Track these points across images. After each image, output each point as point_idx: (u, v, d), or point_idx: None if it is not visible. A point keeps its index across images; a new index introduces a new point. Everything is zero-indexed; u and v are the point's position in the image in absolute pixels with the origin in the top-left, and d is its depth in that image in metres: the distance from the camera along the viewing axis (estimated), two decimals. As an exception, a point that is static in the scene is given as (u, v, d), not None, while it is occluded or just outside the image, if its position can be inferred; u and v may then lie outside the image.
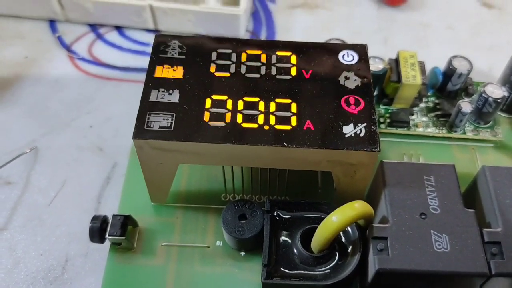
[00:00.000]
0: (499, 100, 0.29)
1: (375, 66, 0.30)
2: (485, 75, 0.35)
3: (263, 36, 0.38)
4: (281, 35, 0.38)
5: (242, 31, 0.36)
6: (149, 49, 0.37)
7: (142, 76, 0.36)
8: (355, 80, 0.26)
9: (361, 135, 0.24)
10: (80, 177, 0.30)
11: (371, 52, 0.30)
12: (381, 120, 0.31)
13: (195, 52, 0.26)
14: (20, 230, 0.28)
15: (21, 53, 0.37)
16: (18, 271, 0.27)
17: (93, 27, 0.38)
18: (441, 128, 0.31)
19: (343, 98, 0.25)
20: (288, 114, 0.24)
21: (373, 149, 0.23)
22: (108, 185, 0.30)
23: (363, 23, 0.39)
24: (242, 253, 0.26)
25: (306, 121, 0.24)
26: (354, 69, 0.26)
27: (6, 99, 0.34)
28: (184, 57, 0.26)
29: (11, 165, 0.31)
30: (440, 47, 0.37)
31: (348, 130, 0.24)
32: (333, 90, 0.25)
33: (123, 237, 0.25)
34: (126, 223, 0.26)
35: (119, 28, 0.38)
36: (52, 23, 0.38)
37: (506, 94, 0.29)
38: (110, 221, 0.26)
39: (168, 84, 0.25)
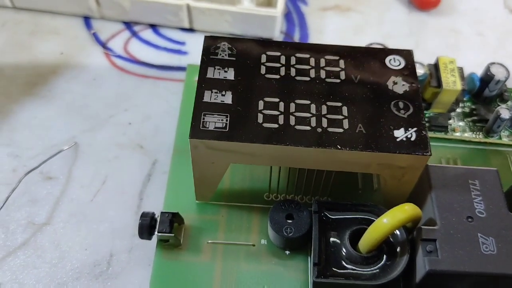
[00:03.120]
0: (537, 107, 0.30)
1: (417, 71, 0.30)
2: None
3: (296, 37, 0.38)
4: (314, 37, 0.38)
5: (277, 33, 0.37)
6: (184, 48, 0.38)
7: (178, 75, 0.37)
8: (403, 85, 0.26)
9: (412, 139, 0.24)
10: (121, 174, 0.31)
11: None
12: (419, 124, 0.31)
13: (245, 54, 0.27)
14: (63, 225, 0.29)
15: (56, 49, 0.37)
16: (63, 265, 0.27)
17: (128, 24, 0.39)
18: (477, 133, 0.31)
19: (392, 103, 0.25)
20: (340, 117, 0.25)
21: (424, 153, 0.24)
22: (149, 182, 0.30)
23: (395, 27, 0.39)
24: (287, 252, 0.27)
25: (357, 124, 0.24)
26: (401, 74, 0.26)
27: (43, 95, 0.34)
28: (234, 59, 0.27)
29: (52, 161, 0.31)
30: (470, 53, 0.38)
31: (400, 134, 0.24)
32: (382, 94, 0.26)
33: (172, 234, 0.26)
34: (174, 220, 0.26)
35: (153, 27, 0.38)
36: (86, 19, 0.39)
37: (543, 101, 0.30)
38: (158, 218, 0.26)
39: (220, 85, 0.25)
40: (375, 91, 0.26)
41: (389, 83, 0.26)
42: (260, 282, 0.26)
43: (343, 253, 0.25)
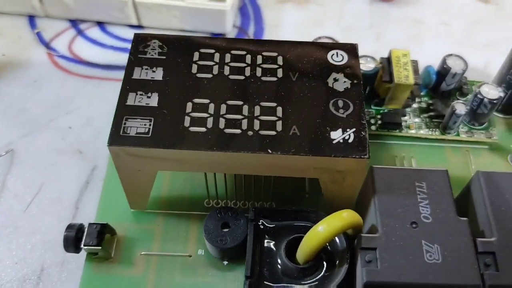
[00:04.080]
0: (495, 101, 0.28)
1: (366, 65, 0.28)
2: (480, 73, 0.34)
3: (251, 32, 0.36)
4: (269, 31, 0.36)
5: (229, 27, 0.35)
6: (132, 46, 0.36)
7: (124, 75, 0.36)
8: (345, 82, 0.24)
9: (350, 141, 0.22)
10: (57, 182, 0.29)
11: (362, 50, 0.29)
12: (372, 121, 0.30)
13: (176, 52, 0.25)
14: (-6, 238, 0.27)
15: (-2, 50, 0.35)
16: (-8, 280, 0.26)
17: (74, 22, 0.37)
18: (434, 129, 0.29)
19: (331, 102, 0.24)
20: (273, 118, 0.23)
21: (362, 156, 0.22)
22: (87, 190, 0.29)
23: (355, 19, 0.37)
24: (225, 262, 0.25)
25: (292, 126, 0.23)
26: (343, 70, 0.25)
27: (-18, 99, 0.33)
28: (164, 57, 0.25)
29: (-14, 168, 0.29)
30: (434, 44, 0.36)
31: (336, 135, 0.22)
32: (321, 92, 0.24)
33: (99, 247, 0.24)
34: (103, 232, 0.25)
35: (100, 24, 0.37)
36: (31, 18, 0.37)
37: (502, 94, 0.28)
38: (85, 230, 0.24)
39: (146, 86, 0.24)
40: (313, 89, 0.24)
41: (330, 80, 0.24)
42: (195, 296, 0.24)
43: (279, 264, 0.23)
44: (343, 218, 0.22)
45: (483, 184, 0.24)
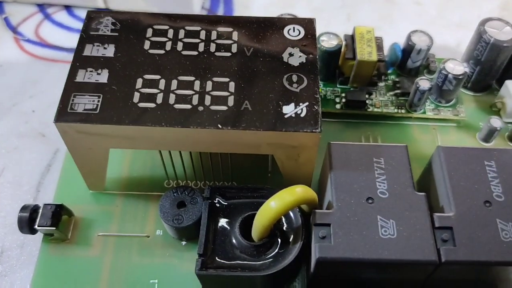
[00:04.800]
0: (460, 77, 0.27)
1: (329, 42, 0.28)
2: (452, 51, 0.34)
3: (220, 13, 0.36)
4: (239, 13, 0.36)
5: (197, 8, 0.34)
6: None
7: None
8: (300, 56, 0.24)
9: (302, 115, 0.22)
10: (19, 165, 0.29)
11: (333, 30, 0.28)
12: (337, 100, 0.29)
13: (129, 29, 0.24)
14: (-47, 222, 0.27)
15: (-36, 36, 0.35)
16: (-49, 265, 0.26)
17: (42, 7, 0.36)
18: (400, 107, 0.29)
19: (286, 76, 0.23)
20: (225, 93, 0.22)
21: (313, 130, 0.21)
22: (48, 173, 0.28)
23: (327, 0, 0.37)
24: (183, 242, 0.25)
25: (244, 101, 0.22)
26: (299, 45, 0.24)
27: None
28: (117, 34, 0.24)
29: None
30: (406, 24, 0.36)
31: (289, 110, 0.22)
32: (275, 67, 0.23)
33: (54, 228, 0.24)
34: (59, 213, 0.24)
35: (68, 8, 0.36)
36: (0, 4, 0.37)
37: (467, 70, 0.27)
38: (40, 211, 0.24)
39: (97, 63, 0.23)
40: (268, 64, 0.23)
41: (285, 55, 0.24)
42: (151, 276, 0.24)
43: (234, 242, 0.23)
44: (295, 193, 0.21)
45: (443, 159, 0.24)
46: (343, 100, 0.29)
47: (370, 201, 0.23)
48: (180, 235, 0.24)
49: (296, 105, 0.22)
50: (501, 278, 0.23)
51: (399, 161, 0.24)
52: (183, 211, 0.24)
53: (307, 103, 0.22)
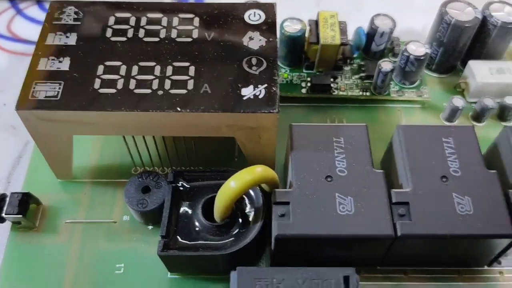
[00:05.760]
0: (421, 58, 0.28)
1: (293, 27, 0.28)
2: (418, 34, 0.34)
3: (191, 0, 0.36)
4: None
5: (168, -1, 0.35)
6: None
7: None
8: (260, 40, 0.24)
9: (260, 96, 0.22)
10: (-10, 157, 0.29)
11: (302, 16, 0.29)
12: (303, 85, 0.30)
13: (92, 17, 0.25)
14: None
15: None
16: None
17: (14, 2, 0.36)
18: (365, 90, 0.29)
19: (245, 59, 0.23)
20: (185, 78, 0.23)
21: (271, 111, 0.22)
22: (19, 165, 0.29)
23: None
24: (150, 227, 0.25)
25: (203, 84, 0.23)
26: (259, 29, 0.25)
27: None
28: (79, 23, 0.25)
29: None
30: (375, 9, 0.36)
31: (247, 92, 0.22)
32: (235, 51, 0.24)
33: (21, 215, 0.24)
34: (26, 201, 0.25)
35: (40, 2, 0.36)
36: (-29, 0, 0.37)
37: (428, 51, 0.28)
38: (7, 199, 0.24)
39: (59, 51, 0.23)
40: (228, 49, 0.24)
41: (245, 39, 0.24)
42: (118, 261, 0.24)
43: (197, 224, 0.23)
44: (254, 172, 0.22)
45: (402, 137, 0.24)
46: (309, 84, 0.29)
47: (329, 179, 0.23)
48: (146, 219, 0.25)
49: (255, 87, 0.23)
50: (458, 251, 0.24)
51: (359, 140, 0.24)
52: (148, 195, 0.24)
53: (265, 85, 0.23)
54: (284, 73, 0.30)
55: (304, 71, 0.30)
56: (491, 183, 0.23)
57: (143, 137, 0.25)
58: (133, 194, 0.24)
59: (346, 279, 0.21)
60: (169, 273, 0.24)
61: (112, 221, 0.25)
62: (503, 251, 0.23)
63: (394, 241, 0.22)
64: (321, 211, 0.22)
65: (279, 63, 0.30)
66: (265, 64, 0.23)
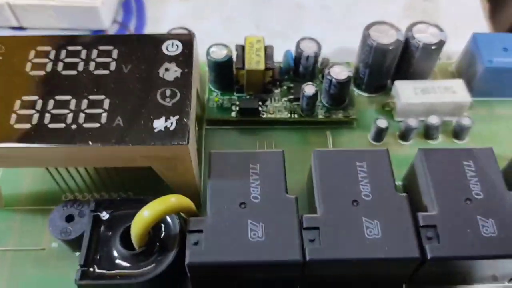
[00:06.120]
0: (344, 81, 0.29)
1: (219, 53, 0.29)
2: (352, 54, 0.34)
3: (132, 27, 0.37)
4: (151, 26, 0.37)
5: (108, 23, 0.35)
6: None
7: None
8: (175, 71, 0.25)
9: (171, 128, 0.23)
10: None
11: (241, 40, 0.29)
12: (233, 108, 0.30)
13: (13, 51, 0.25)
14: None
15: None
16: None
17: (-42, 28, 0.37)
18: (294, 112, 0.30)
19: (159, 91, 0.24)
20: (100, 111, 0.23)
21: (180, 143, 0.23)
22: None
23: (236, 8, 0.38)
24: (77, 253, 0.26)
25: (116, 117, 0.23)
26: (176, 60, 0.25)
27: None
28: (1, 58, 0.25)
29: None
30: (314, 28, 0.37)
31: (159, 124, 0.23)
32: (150, 83, 0.24)
33: None
34: (-45, 232, 0.25)
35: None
36: None
37: (350, 74, 0.29)
38: None
39: (-23, 86, 0.24)
40: (143, 81, 0.25)
41: (161, 71, 0.25)
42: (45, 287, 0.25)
43: (116, 252, 0.24)
44: (167, 202, 0.22)
45: (316, 161, 0.25)
46: (237, 108, 0.30)
47: (242, 205, 0.24)
48: (73, 247, 0.26)
49: (167, 119, 0.23)
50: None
51: (274, 166, 0.25)
52: (72, 224, 0.25)
53: (177, 117, 0.23)
54: (215, 96, 0.31)
55: (235, 94, 0.31)
56: (401, 206, 0.24)
57: (67, 168, 0.26)
58: (57, 223, 0.25)
59: (259, 304, 0.22)
60: (93, 300, 0.25)
61: (41, 248, 0.26)
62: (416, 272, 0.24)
63: (304, 266, 0.23)
64: (234, 239, 0.23)
65: (210, 86, 0.31)
66: (178, 96, 0.24)
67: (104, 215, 0.25)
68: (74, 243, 0.25)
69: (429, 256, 0.23)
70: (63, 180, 0.26)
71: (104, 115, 0.23)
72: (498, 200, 0.24)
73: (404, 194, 0.24)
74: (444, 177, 0.25)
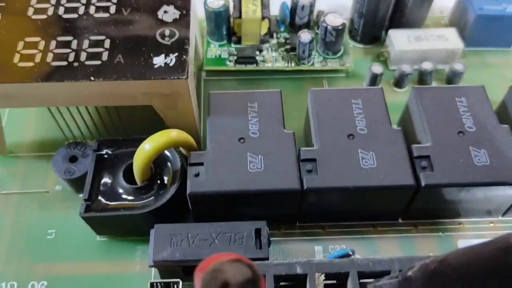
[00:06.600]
0: (339, 28, 0.29)
1: (216, 3, 0.30)
2: (345, 7, 0.35)
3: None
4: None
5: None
6: None
7: None
8: (174, 13, 0.26)
9: (171, 64, 0.24)
10: None
11: None
12: (231, 59, 0.31)
13: (15, -2, 0.26)
14: None
15: None
16: None
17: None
18: (290, 62, 0.31)
19: (159, 31, 0.25)
20: (100, 50, 0.24)
21: (180, 77, 0.23)
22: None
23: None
24: (81, 195, 0.26)
25: (117, 55, 0.24)
26: (174, 3, 0.26)
27: None
28: (4, 4, 0.26)
29: None
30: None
31: (158, 60, 0.24)
32: (149, 24, 0.25)
33: (-47, 188, 0.25)
34: (-39, 175, 0.26)
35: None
36: None
37: (345, 21, 0.29)
38: None
39: (-19, 30, 0.25)
40: (143, 22, 0.25)
41: (160, 13, 0.25)
42: (49, 227, 0.25)
43: (119, 187, 0.24)
44: (167, 135, 0.23)
45: (312, 100, 0.26)
46: (235, 57, 0.30)
47: (241, 140, 0.24)
48: (76, 187, 0.26)
49: (166, 56, 0.24)
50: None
51: (272, 105, 0.26)
52: (75, 164, 0.26)
53: (176, 54, 0.24)
54: (213, 48, 0.31)
55: (232, 45, 0.31)
56: (396, 139, 0.25)
57: (69, 111, 0.27)
58: (61, 163, 0.25)
59: (258, 231, 0.23)
60: (98, 236, 0.25)
61: (45, 191, 0.27)
62: (411, 203, 0.25)
63: (303, 195, 0.23)
64: (233, 170, 0.23)
65: (208, 39, 0.32)
66: (177, 35, 0.25)
67: (108, 154, 0.25)
68: (78, 183, 0.26)
69: (423, 183, 0.23)
70: (66, 125, 0.27)
71: (105, 53, 0.24)
72: (490, 132, 0.25)
73: (399, 128, 0.25)
74: (437, 112, 0.26)
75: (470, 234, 0.26)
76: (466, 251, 0.16)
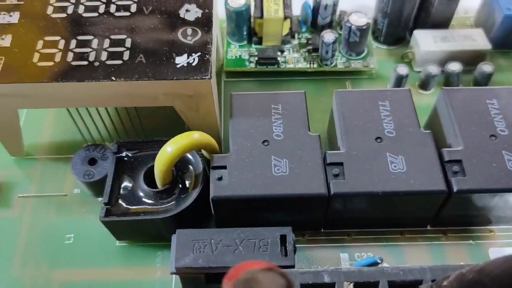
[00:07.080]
0: (363, 27, 0.28)
1: (237, 2, 0.29)
2: (367, 7, 0.34)
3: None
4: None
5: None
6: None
7: None
8: (196, 12, 0.25)
9: (194, 64, 0.23)
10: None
11: None
12: (252, 60, 0.30)
13: (35, -4, 0.26)
14: None
15: None
16: None
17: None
18: (313, 63, 0.30)
19: (181, 30, 0.24)
20: (121, 49, 0.23)
21: (203, 77, 0.22)
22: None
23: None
24: (100, 199, 0.26)
25: (139, 55, 0.23)
26: (197, 2, 0.25)
27: None
28: (22, 2, 0.25)
29: None
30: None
31: (181, 60, 0.23)
32: (171, 23, 0.24)
33: (-30, 190, 0.25)
34: (-22, 177, 0.25)
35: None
36: None
37: (369, 21, 0.28)
38: (-42, 176, 0.25)
39: (1, 29, 0.24)
40: (164, 21, 0.24)
41: (181, 11, 0.25)
42: (68, 231, 0.25)
43: (140, 191, 0.24)
44: (189, 137, 0.22)
45: (338, 101, 0.25)
46: (256, 58, 0.30)
47: (265, 143, 0.24)
48: (95, 191, 0.25)
49: (189, 56, 0.23)
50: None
51: (296, 106, 0.25)
52: (94, 167, 0.25)
53: (199, 53, 0.23)
54: (233, 49, 0.31)
55: (253, 46, 0.31)
56: (425, 142, 0.24)
57: (89, 113, 0.26)
58: (80, 166, 0.25)
59: (283, 238, 0.22)
60: (117, 241, 0.25)
61: (63, 194, 0.26)
62: (441, 209, 0.24)
63: (329, 200, 0.22)
64: (257, 173, 0.23)
65: (228, 39, 0.31)
66: (199, 34, 0.24)
67: (128, 156, 0.25)
68: (97, 186, 0.25)
69: (455, 189, 0.22)
70: (85, 126, 0.27)
71: (126, 53, 0.23)
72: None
73: (429, 131, 0.24)
74: (468, 114, 0.25)
75: (502, 242, 0.25)
76: (507, 261, 0.15)
